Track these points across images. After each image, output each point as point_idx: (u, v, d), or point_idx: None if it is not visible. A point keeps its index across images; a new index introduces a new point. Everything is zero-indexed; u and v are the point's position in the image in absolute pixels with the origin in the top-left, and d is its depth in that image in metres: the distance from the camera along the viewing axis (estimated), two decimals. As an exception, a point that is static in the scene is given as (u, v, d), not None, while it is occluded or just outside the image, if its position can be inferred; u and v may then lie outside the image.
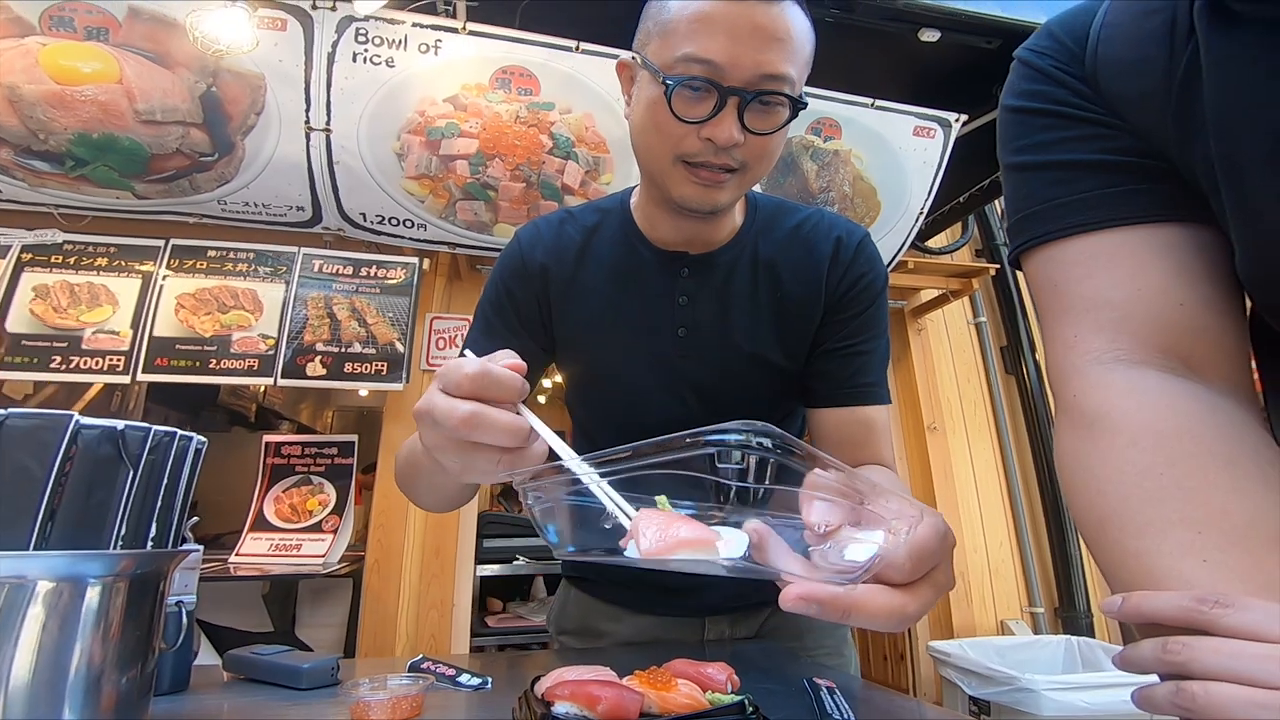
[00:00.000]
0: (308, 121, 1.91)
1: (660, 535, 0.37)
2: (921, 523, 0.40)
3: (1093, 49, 0.50)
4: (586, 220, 0.91)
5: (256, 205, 2.07)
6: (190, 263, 2.10)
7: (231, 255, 2.13)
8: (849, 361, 0.86)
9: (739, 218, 0.89)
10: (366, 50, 1.88)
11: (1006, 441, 3.01)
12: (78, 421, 0.52)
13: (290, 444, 2.40)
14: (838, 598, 0.37)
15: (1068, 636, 2.64)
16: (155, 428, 0.55)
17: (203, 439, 0.62)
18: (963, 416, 2.97)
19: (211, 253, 2.12)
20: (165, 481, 0.56)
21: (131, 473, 0.53)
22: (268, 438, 2.40)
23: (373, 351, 2.14)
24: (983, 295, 3.14)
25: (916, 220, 2.50)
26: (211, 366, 2.03)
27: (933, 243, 3.06)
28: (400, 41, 1.89)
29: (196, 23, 1.65)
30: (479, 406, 0.44)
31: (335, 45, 1.86)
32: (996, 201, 2.96)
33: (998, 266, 2.97)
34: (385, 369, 2.15)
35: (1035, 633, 2.85)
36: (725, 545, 0.37)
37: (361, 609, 2.25)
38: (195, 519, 0.66)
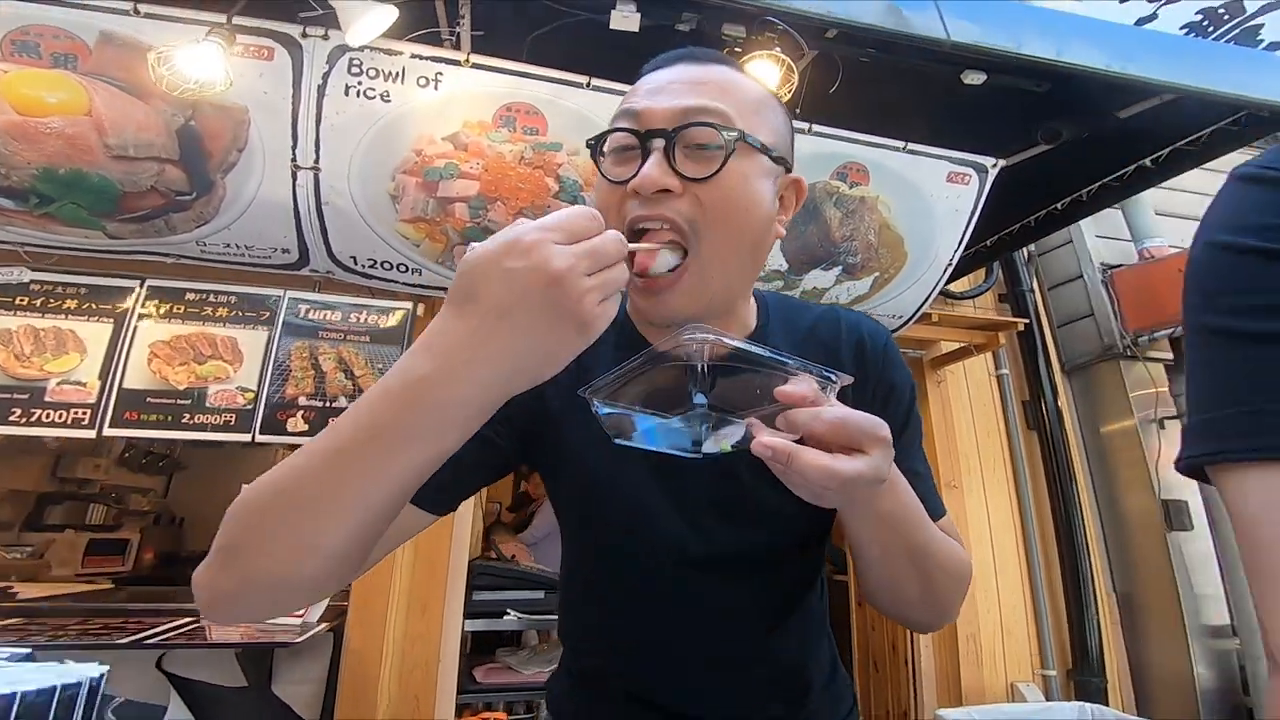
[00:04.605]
0: (294, 159, 1.76)
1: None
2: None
3: None
4: None
5: (239, 247, 1.91)
6: (167, 306, 1.95)
7: (211, 298, 1.97)
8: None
9: (751, 319, 0.76)
10: (360, 83, 1.72)
11: (1026, 498, 2.88)
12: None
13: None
14: (783, 446, 0.46)
15: (1080, 703, 2.53)
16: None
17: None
18: (981, 472, 2.84)
19: (190, 295, 1.96)
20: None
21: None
22: (245, 487, 2.25)
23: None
24: (1006, 347, 3.00)
25: (944, 272, 2.36)
26: (185, 421, 1.88)
27: (954, 287, 2.91)
28: (397, 74, 1.73)
29: (161, 61, 1.46)
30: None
31: (326, 77, 1.69)
32: (1026, 249, 2.82)
33: (1026, 321, 2.82)
34: (373, 422, 2.00)
35: (1047, 697, 2.74)
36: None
37: (341, 668, 2.11)
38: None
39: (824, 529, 0.78)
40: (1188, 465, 0.43)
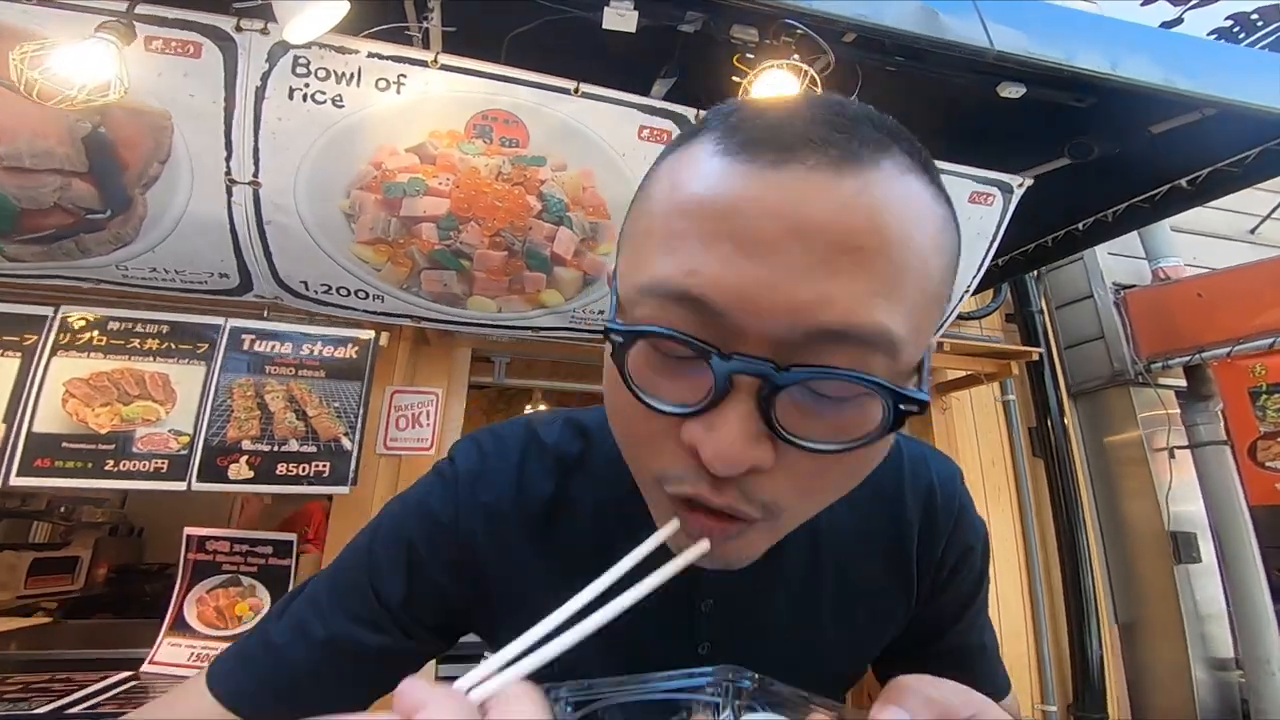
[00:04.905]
0: (229, 172, 1.49)
1: None
2: None
3: None
4: (564, 453, 0.57)
5: (167, 271, 1.65)
6: (85, 338, 1.68)
7: (139, 328, 1.71)
8: (957, 668, 0.57)
9: None
10: (308, 85, 1.46)
11: (1030, 530, 2.74)
12: None
13: (217, 539, 2.02)
14: None
15: (1084, 744, 2.43)
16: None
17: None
18: (986, 503, 2.69)
19: (114, 325, 1.70)
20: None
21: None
22: (189, 531, 2.01)
23: (313, 449, 1.76)
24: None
25: (960, 299, 2.18)
26: (108, 469, 1.63)
27: (961, 306, 2.74)
28: (352, 75, 1.47)
29: (28, 61, 1.15)
30: None
31: (266, 78, 1.43)
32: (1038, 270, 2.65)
33: (1040, 351, 2.66)
34: (328, 469, 1.77)
35: (1048, 735, 2.64)
36: None
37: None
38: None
39: None
40: None
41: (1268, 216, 3.04)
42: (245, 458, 1.71)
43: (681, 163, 0.36)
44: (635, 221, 0.39)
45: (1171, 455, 2.69)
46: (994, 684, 0.63)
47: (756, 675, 0.39)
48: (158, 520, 4.10)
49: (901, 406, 0.33)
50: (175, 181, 1.49)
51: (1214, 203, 2.10)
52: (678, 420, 0.35)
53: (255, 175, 1.53)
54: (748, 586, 0.54)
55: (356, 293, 1.76)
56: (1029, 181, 1.99)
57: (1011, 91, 1.64)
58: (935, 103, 1.83)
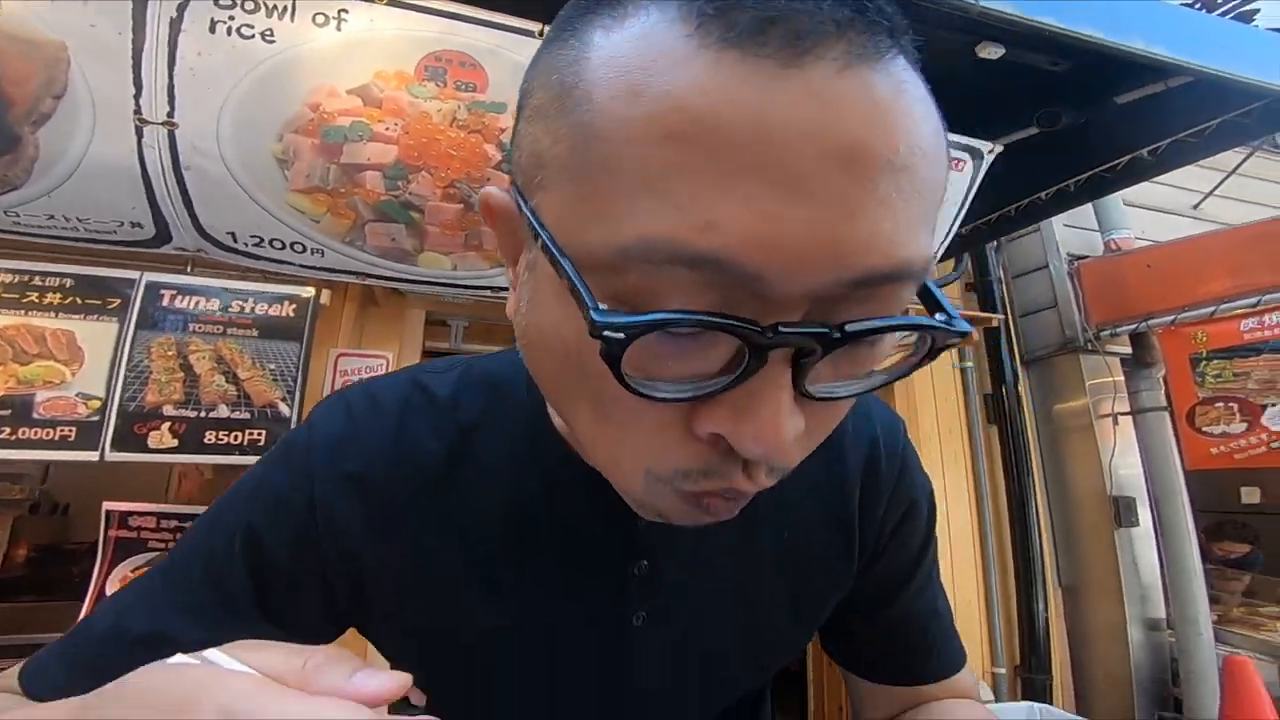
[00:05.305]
0: (138, 111, 1.32)
1: None
2: None
3: None
4: (462, 409, 0.48)
5: (67, 219, 1.46)
6: (-31, 292, 1.49)
7: (37, 281, 1.52)
8: (912, 638, 0.59)
9: None
10: (232, 17, 1.28)
11: (984, 496, 2.80)
12: None
13: (142, 514, 1.86)
14: None
15: (1030, 703, 2.52)
16: None
17: None
18: (943, 470, 2.73)
19: (5, 278, 1.50)
20: None
21: None
22: (109, 506, 1.84)
23: (246, 416, 1.61)
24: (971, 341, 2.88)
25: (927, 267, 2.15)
26: (4, 437, 1.46)
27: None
28: (285, 9, 1.30)
29: None
30: None
31: (182, 9, 1.25)
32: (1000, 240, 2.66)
33: (1000, 318, 2.68)
34: (264, 437, 1.63)
35: (996, 696, 2.74)
36: None
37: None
38: None
39: None
40: None
41: (1210, 193, 3.13)
42: (168, 424, 1.55)
43: (641, 56, 0.26)
44: (562, 143, 0.28)
45: (1115, 421, 2.77)
46: (949, 656, 0.60)
47: None
48: (84, 497, 3.83)
49: (937, 339, 0.30)
50: (74, 120, 1.31)
51: (1162, 178, 2.13)
52: (685, 406, 0.29)
53: (170, 115, 1.35)
54: (684, 545, 0.47)
55: (293, 245, 1.60)
56: (999, 148, 1.97)
57: (991, 52, 1.60)
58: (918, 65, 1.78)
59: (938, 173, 0.29)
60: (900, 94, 0.26)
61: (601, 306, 0.26)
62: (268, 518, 0.46)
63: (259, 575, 0.45)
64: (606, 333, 0.25)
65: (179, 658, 0.26)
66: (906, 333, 0.29)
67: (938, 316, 0.30)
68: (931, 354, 0.31)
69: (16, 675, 0.45)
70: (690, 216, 0.24)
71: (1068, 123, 1.96)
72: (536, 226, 0.29)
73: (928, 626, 0.59)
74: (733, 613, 0.51)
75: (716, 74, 0.24)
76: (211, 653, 0.26)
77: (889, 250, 0.26)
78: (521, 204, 0.31)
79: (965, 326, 0.30)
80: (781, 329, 0.26)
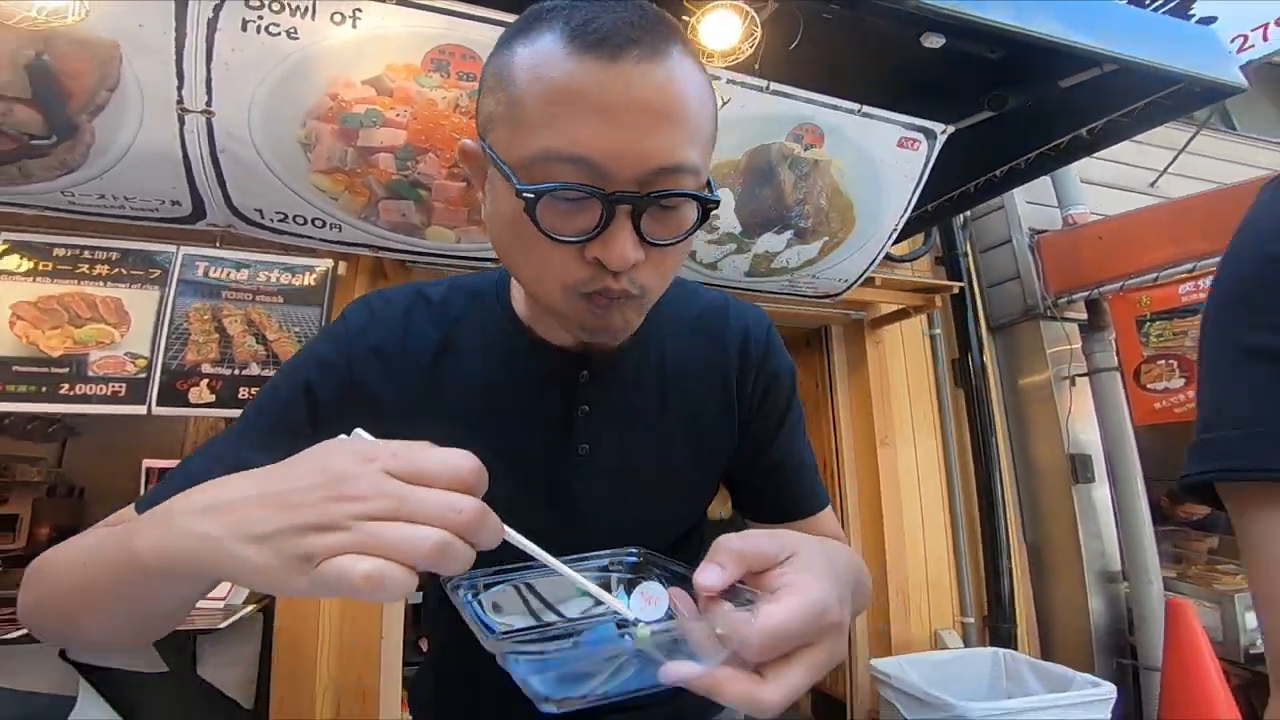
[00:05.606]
0: (181, 101, 1.50)
1: None
2: (781, 599, 0.39)
3: None
4: (451, 308, 0.69)
5: (116, 198, 1.65)
6: (31, 263, 1.67)
7: (86, 254, 1.71)
8: (783, 482, 0.76)
9: None
10: (261, 17, 1.48)
11: (951, 455, 3.00)
12: None
13: (175, 469, 2.04)
14: (699, 676, 0.37)
15: (995, 650, 2.72)
16: None
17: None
18: (913, 430, 2.93)
19: (59, 251, 1.69)
20: None
21: None
22: (148, 463, 2.02)
23: (274, 373, 1.80)
24: (940, 309, 3.07)
25: (890, 237, 2.35)
26: (63, 393, 1.65)
27: (894, 250, 2.93)
28: (306, 9, 1.49)
29: None
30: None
31: (218, 9, 1.44)
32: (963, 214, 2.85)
33: (961, 285, 2.88)
34: (291, 395, 1.82)
35: (965, 642, 2.93)
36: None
37: (274, 647, 1.98)
38: None
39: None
40: (1221, 477, 0.40)
41: (1164, 171, 3.33)
42: (206, 381, 1.74)
43: (541, 60, 0.48)
44: (504, 100, 0.50)
45: (1072, 383, 2.97)
46: (814, 495, 0.77)
47: (643, 550, 0.55)
48: (97, 480, 3.98)
49: (708, 207, 0.52)
50: (124, 110, 1.49)
51: (1121, 158, 2.31)
52: (580, 246, 0.50)
53: (209, 104, 1.54)
54: (617, 400, 0.68)
55: (314, 221, 1.79)
56: (951, 129, 2.15)
57: (933, 41, 1.78)
58: (873, 54, 1.96)
59: (703, 119, 0.51)
60: (672, 73, 0.48)
61: (522, 184, 0.48)
62: (320, 375, 0.64)
63: (314, 414, 0.63)
64: (524, 194, 0.47)
65: (340, 438, 0.40)
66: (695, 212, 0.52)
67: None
68: (702, 219, 0.52)
69: (133, 507, 0.57)
70: (566, 136, 0.47)
71: (1015, 105, 2.14)
72: (490, 153, 0.51)
73: (797, 474, 0.76)
74: (654, 452, 0.70)
75: (577, 66, 0.46)
76: (360, 432, 0.42)
77: (669, 153, 0.48)
78: (483, 144, 0.53)
79: (714, 197, 0.52)
80: (618, 194, 0.48)
